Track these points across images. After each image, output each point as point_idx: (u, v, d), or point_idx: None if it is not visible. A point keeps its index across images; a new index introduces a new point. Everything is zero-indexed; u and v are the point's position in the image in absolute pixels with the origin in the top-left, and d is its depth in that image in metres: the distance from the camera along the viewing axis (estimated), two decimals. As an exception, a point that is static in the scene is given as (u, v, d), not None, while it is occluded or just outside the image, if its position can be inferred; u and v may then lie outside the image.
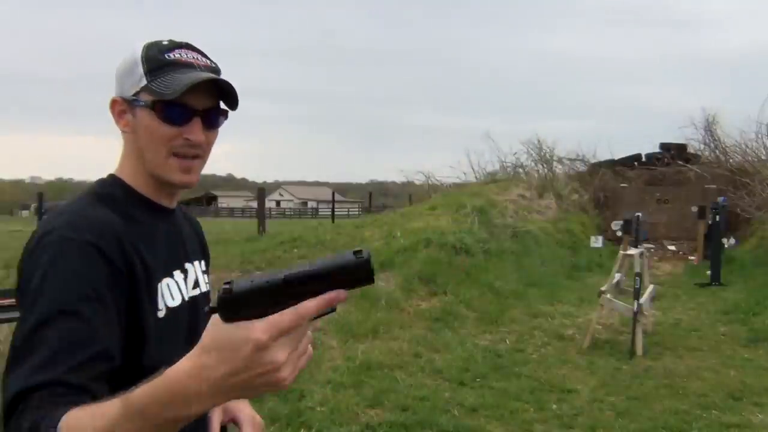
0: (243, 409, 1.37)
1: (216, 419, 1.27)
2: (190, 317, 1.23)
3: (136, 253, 1.12)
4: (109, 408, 0.84)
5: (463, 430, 4.39)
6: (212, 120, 1.20)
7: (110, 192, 1.19)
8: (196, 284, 1.29)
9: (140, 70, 1.15)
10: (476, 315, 7.68)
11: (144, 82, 1.15)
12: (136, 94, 1.16)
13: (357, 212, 48.59)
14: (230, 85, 1.18)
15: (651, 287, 7.49)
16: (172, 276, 1.21)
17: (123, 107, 1.19)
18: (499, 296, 8.57)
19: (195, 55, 1.20)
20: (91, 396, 0.94)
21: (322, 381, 5.17)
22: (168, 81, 1.14)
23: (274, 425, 4.29)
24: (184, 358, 0.82)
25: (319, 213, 55.30)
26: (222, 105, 1.21)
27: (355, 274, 0.77)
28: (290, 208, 73.01)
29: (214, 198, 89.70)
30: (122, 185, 1.21)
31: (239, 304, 0.76)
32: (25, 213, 53.97)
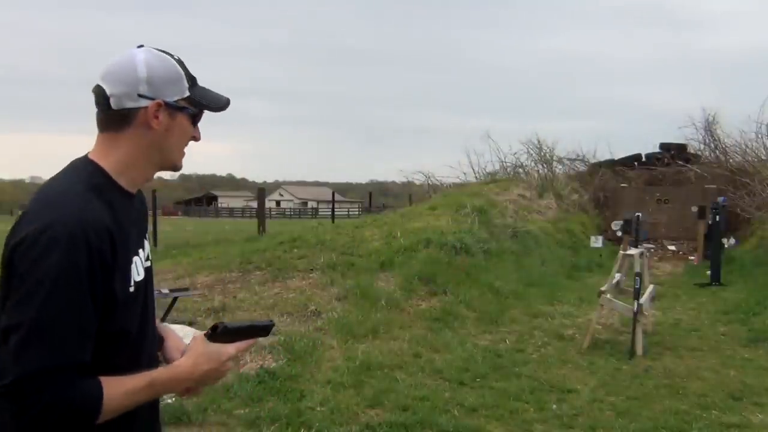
0: None
1: None
2: (144, 289, 1.45)
3: (119, 241, 1.32)
4: (136, 383, 1.31)
5: (463, 430, 4.39)
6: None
7: (97, 182, 1.36)
8: (147, 258, 1.50)
9: (185, 84, 1.42)
10: (476, 315, 7.68)
11: (187, 93, 1.42)
12: (177, 101, 1.41)
13: (357, 212, 48.59)
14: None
15: (651, 287, 7.48)
16: (138, 254, 1.43)
17: (158, 109, 1.38)
18: (499, 296, 8.56)
19: None
20: (89, 367, 1.27)
21: (322, 381, 5.16)
22: (206, 96, 1.46)
23: (274, 425, 4.29)
24: (184, 358, 1.40)
25: (319, 213, 55.33)
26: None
27: (269, 328, 1.54)
28: (290, 208, 73.01)
29: (214, 198, 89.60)
30: (103, 174, 1.38)
31: (223, 335, 1.42)
32: (25, 213, 53.78)
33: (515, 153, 20.35)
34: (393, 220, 11.52)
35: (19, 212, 1.54)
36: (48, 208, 1.29)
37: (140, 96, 1.36)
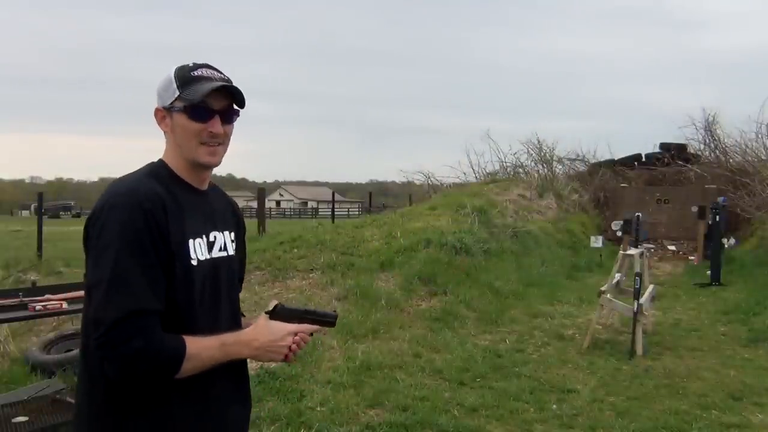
0: None
1: None
2: (214, 273, 1.63)
3: (174, 216, 1.54)
4: (210, 343, 1.52)
5: (463, 430, 4.39)
6: (228, 116, 1.65)
7: (158, 172, 1.62)
8: (223, 248, 1.68)
9: (174, 86, 1.60)
10: (476, 315, 7.68)
11: (177, 93, 1.59)
12: (172, 103, 1.60)
13: (357, 212, 48.54)
14: (238, 89, 1.64)
15: (651, 287, 7.48)
16: (201, 237, 1.61)
17: (163, 114, 1.63)
18: (499, 296, 8.56)
19: (212, 72, 1.64)
20: (162, 317, 1.48)
21: (322, 381, 5.17)
22: (194, 90, 1.58)
23: (275, 425, 4.29)
24: (248, 329, 1.61)
25: (319, 213, 55.26)
26: (234, 106, 1.66)
27: (333, 321, 1.71)
28: (290, 208, 72.97)
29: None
30: (166, 168, 1.64)
31: (281, 315, 1.63)
32: (25, 213, 53.77)
33: (515, 153, 20.38)
34: (393, 220, 11.52)
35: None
36: (111, 188, 1.55)
37: (156, 108, 1.65)
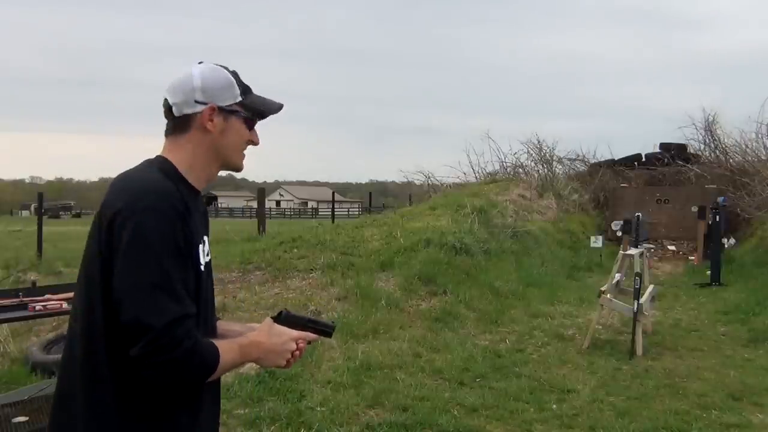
0: None
1: None
2: (208, 278, 1.62)
3: (191, 220, 1.52)
4: (231, 346, 1.54)
5: (463, 430, 4.39)
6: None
7: (168, 170, 1.55)
8: (209, 252, 1.65)
9: (236, 90, 1.60)
10: (476, 315, 7.68)
11: (239, 98, 1.60)
12: (231, 105, 1.59)
13: (357, 212, 48.54)
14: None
15: (651, 287, 7.48)
16: (202, 242, 1.59)
17: (216, 113, 1.58)
18: (499, 296, 8.56)
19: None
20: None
21: (322, 381, 5.17)
22: (259, 102, 1.65)
23: (275, 425, 4.30)
24: (254, 332, 1.63)
25: (319, 213, 55.32)
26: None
27: (330, 331, 1.77)
28: (290, 208, 73.00)
29: (214, 198, 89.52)
30: (173, 167, 1.57)
31: (286, 321, 1.66)
32: (25, 213, 53.85)
33: (515, 153, 20.39)
34: (393, 220, 11.52)
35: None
36: (135, 186, 1.50)
37: (196, 102, 1.56)
